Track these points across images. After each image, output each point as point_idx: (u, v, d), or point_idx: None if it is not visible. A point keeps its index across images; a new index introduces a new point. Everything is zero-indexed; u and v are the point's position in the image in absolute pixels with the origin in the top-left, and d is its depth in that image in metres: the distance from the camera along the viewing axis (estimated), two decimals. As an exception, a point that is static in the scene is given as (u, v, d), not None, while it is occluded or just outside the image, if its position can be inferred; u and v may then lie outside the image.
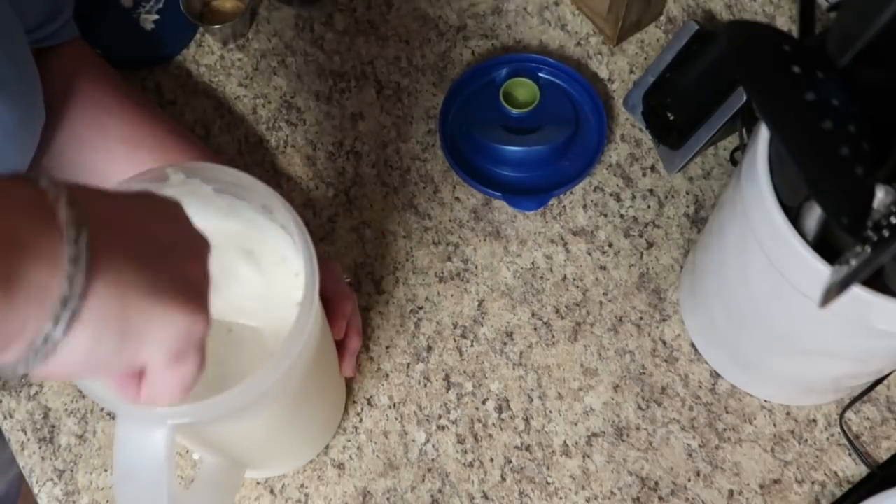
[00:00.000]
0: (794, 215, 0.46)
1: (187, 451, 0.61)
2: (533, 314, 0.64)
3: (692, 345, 0.63)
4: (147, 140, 0.58)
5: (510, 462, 0.61)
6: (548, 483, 0.60)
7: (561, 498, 0.60)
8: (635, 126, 0.70)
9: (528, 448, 0.61)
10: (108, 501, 0.60)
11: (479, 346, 0.64)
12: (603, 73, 0.72)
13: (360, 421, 0.62)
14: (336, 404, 0.60)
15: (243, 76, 0.72)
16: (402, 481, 0.60)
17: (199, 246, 0.36)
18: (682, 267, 0.66)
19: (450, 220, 0.67)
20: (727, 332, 0.59)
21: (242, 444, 0.52)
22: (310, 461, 0.61)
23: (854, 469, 0.60)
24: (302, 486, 0.60)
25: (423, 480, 0.60)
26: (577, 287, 0.65)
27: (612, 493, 0.60)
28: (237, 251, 0.51)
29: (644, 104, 0.68)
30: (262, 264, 0.50)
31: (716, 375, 0.63)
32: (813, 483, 0.60)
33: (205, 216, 0.50)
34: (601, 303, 0.65)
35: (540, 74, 0.71)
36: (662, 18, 0.74)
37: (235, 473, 0.53)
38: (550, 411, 0.62)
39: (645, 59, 0.72)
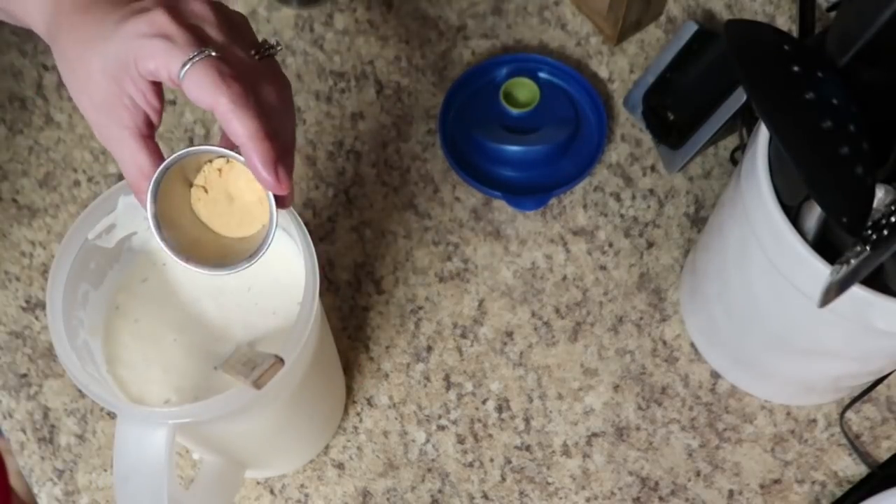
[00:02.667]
0: (794, 215, 0.46)
1: (187, 451, 0.61)
2: (533, 314, 0.64)
3: (692, 345, 0.63)
4: None
5: (510, 462, 0.61)
6: (548, 483, 0.60)
7: (561, 498, 0.60)
8: (635, 126, 0.70)
9: (528, 448, 0.61)
10: (108, 501, 0.60)
11: (479, 346, 0.64)
12: (603, 73, 0.72)
13: (360, 421, 0.62)
14: (336, 404, 0.60)
15: (243, 76, 0.72)
16: (402, 481, 0.60)
17: None
18: (682, 267, 0.66)
19: (450, 220, 0.67)
20: (727, 331, 0.59)
21: (242, 444, 0.52)
22: (310, 461, 0.61)
23: (854, 469, 0.60)
24: (302, 486, 0.60)
25: (423, 480, 0.60)
26: (577, 287, 0.65)
27: (612, 493, 0.60)
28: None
29: (644, 104, 0.68)
30: (262, 265, 0.50)
31: (716, 375, 0.63)
32: (813, 483, 0.60)
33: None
34: (601, 303, 0.65)
35: (540, 74, 0.71)
36: (662, 18, 0.74)
37: (235, 473, 0.53)
38: (550, 411, 0.62)
39: (645, 59, 0.72)
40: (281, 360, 0.41)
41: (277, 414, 0.49)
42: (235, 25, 0.40)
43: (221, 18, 0.39)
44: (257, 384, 0.40)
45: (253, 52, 0.40)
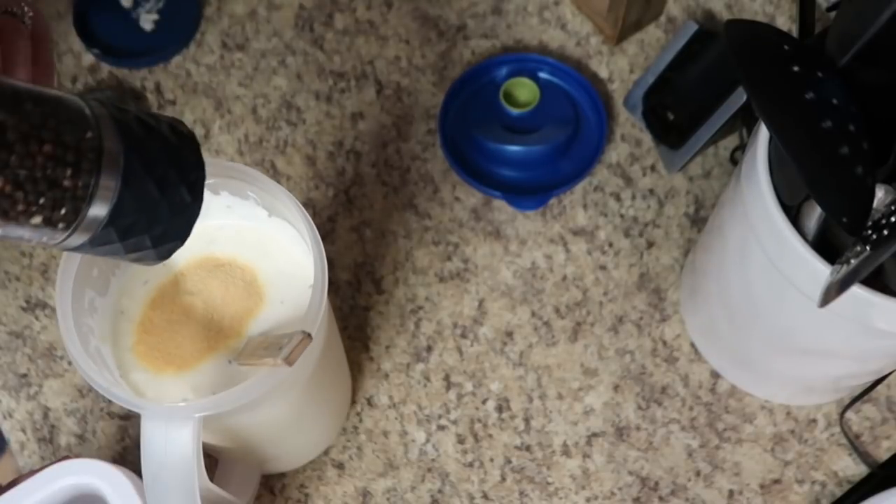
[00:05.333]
0: (794, 215, 0.46)
1: (207, 456, 0.61)
2: (533, 314, 0.64)
3: (692, 345, 0.63)
4: None
5: (510, 462, 0.61)
6: (548, 483, 0.60)
7: (561, 498, 0.60)
8: (635, 126, 0.70)
9: (528, 448, 0.61)
10: (108, 501, 0.60)
11: (479, 345, 0.64)
12: (603, 73, 0.72)
13: (360, 421, 0.62)
14: (345, 392, 0.61)
15: (243, 76, 0.72)
16: (402, 481, 0.60)
17: None
18: (682, 267, 0.66)
19: (450, 220, 0.67)
20: (727, 331, 0.59)
21: (262, 435, 0.52)
22: (310, 461, 0.61)
23: (854, 469, 0.60)
24: (302, 486, 0.60)
25: (423, 480, 0.60)
26: (577, 287, 0.65)
27: (612, 493, 0.60)
28: (236, 246, 0.51)
29: (644, 104, 0.68)
30: (266, 257, 0.50)
31: (716, 375, 0.63)
32: (813, 483, 0.60)
33: (205, 216, 0.50)
34: (601, 303, 0.65)
35: (540, 74, 0.71)
36: (662, 18, 0.74)
37: (253, 471, 0.53)
38: (550, 411, 0.62)
39: (645, 59, 0.72)
40: (309, 336, 0.42)
41: (296, 400, 0.50)
42: None
43: None
44: (288, 361, 0.41)
45: None
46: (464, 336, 0.64)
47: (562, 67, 0.70)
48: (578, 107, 0.70)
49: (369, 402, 0.62)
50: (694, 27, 0.66)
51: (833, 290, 0.42)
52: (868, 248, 0.40)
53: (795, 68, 0.43)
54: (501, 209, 0.67)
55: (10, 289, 0.66)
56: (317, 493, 0.60)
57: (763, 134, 0.47)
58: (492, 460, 0.61)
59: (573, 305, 0.65)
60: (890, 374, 0.60)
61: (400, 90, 0.72)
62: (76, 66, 0.73)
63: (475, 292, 0.65)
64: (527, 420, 0.62)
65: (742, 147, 0.67)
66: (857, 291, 0.44)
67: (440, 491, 0.60)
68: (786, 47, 0.44)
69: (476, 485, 0.60)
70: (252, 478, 0.53)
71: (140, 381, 0.47)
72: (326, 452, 0.61)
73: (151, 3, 0.75)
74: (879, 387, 0.61)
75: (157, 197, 0.34)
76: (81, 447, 0.61)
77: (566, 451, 0.61)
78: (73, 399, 0.63)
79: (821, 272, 0.44)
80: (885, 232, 0.40)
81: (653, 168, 0.69)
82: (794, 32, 0.69)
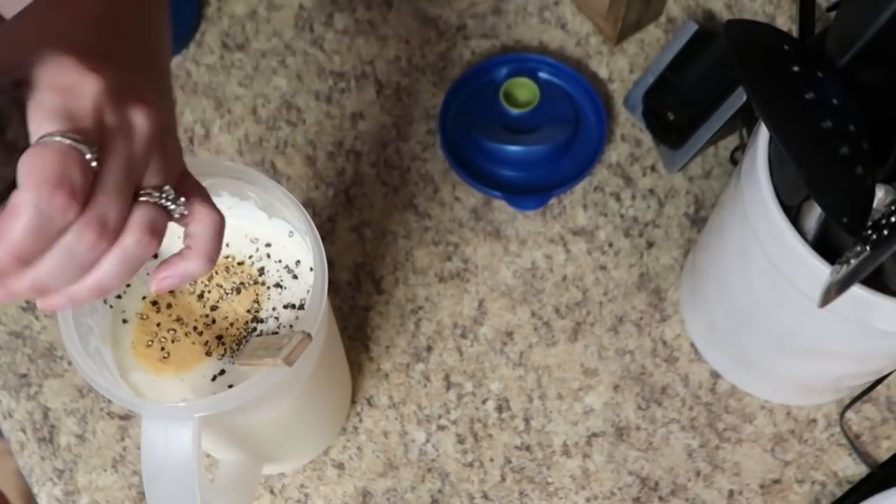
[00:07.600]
0: (794, 215, 0.46)
1: (207, 455, 0.61)
2: (533, 314, 0.64)
3: (692, 345, 0.63)
4: None
5: (510, 462, 0.61)
6: (548, 483, 0.60)
7: (561, 498, 0.60)
8: (635, 126, 0.70)
9: (528, 448, 0.61)
10: (108, 501, 0.60)
11: (479, 345, 0.64)
12: (603, 73, 0.72)
13: (360, 421, 0.62)
14: (345, 392, 0.61)
15: (243, 76, 0.72)
16: (402, 481, 0.60)
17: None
18: (682, 267, 0.66)
19: (450, 220, 0.67)
20: (727, 331, 0.59)
21: (263, 436, 0.52)
22: (310, 461, 0.61)
23: (854, 469, 0.60)
24: (302, 486, 0.60)
25: (423, 480, 0.60)
26: (577, 287, 0.65)
27: (612, 493, 0.60)
28: (237, 246, 0.51)
29: (644, 104, 0.68)
30: (266, 256, 0.51)
31: (716, 375, 0.63)
32: (813, 483, 0.60)
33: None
34: (601, 303, 0.65)
35: (540, 74, 0.71)
36: (662, 18, 0.74)
37: (253, 471, 0.54)
38: (550, 411, 0.62)
39: (645, 59, 0.72)
40: (309, 336, 0.42)
41: (296, 400, 0.50)
42: (163, 159, 0.33)
43: (150, 146, 0.33)
44: (288, 361, 0.41)
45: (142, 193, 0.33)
46: (464, 336, 0.64)
47: (562, 67, 0.70)
48: (578, 107, 0.70)
49: (369, 402, 0.62)
50: (694, 27, 0.66)
51: (833, 290, 0.42)
52: (868, 248, 0.40)
53: (795, 68, 0.43)
54: (501, 209, 0.67)
55: (10, 289, 0.66)
56: (317, 493, 0.60)
57: (763, 134, 0.47)
58: (492, 460, 0.61)
59: (573, 305, 0.65)
60: (890, 374, 0.60)
61: (400, 90, 0.72)
62: (76, 66, 0.73)
63: (475, 292, 0.65)
64: (527, 420, 0.62)
65: (742, 147, 0.67)
66: (857, 291, 0.44)
67: (440, 491, 0.60)
68: (786, 47, 0.44)
69: (476, 485, 0.60)
70: (252, 478, 0.53)
71: (140, 381, 0.47)
72: (326, 452, 0.61)
73: (151, 3, 0.74)
74: (879, 387, 0.61)
75: None
76: (81, 447, 0.62)
77: (566, 451, 0.61)
78: (73, 399, 0.63)
79: (821, 272, 0.44)
80: (885, 232, 0.40)
81: (653, 168, 0.69)
82: (794, 32, 0.69)
